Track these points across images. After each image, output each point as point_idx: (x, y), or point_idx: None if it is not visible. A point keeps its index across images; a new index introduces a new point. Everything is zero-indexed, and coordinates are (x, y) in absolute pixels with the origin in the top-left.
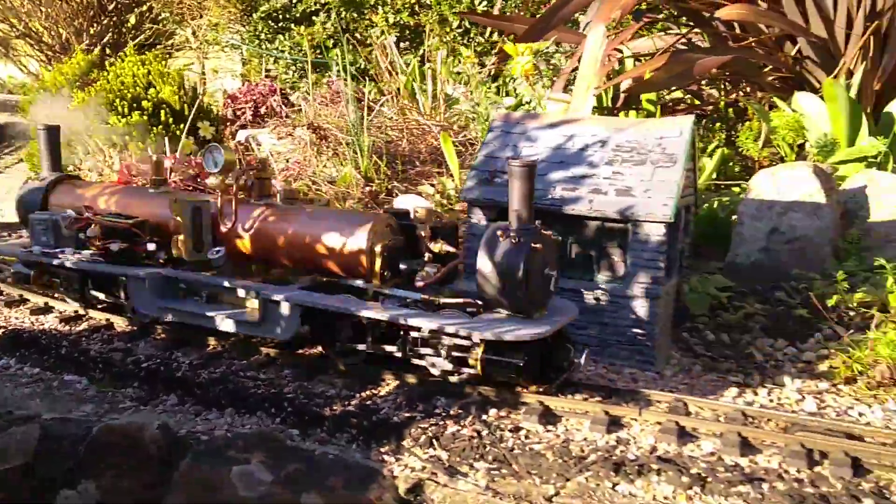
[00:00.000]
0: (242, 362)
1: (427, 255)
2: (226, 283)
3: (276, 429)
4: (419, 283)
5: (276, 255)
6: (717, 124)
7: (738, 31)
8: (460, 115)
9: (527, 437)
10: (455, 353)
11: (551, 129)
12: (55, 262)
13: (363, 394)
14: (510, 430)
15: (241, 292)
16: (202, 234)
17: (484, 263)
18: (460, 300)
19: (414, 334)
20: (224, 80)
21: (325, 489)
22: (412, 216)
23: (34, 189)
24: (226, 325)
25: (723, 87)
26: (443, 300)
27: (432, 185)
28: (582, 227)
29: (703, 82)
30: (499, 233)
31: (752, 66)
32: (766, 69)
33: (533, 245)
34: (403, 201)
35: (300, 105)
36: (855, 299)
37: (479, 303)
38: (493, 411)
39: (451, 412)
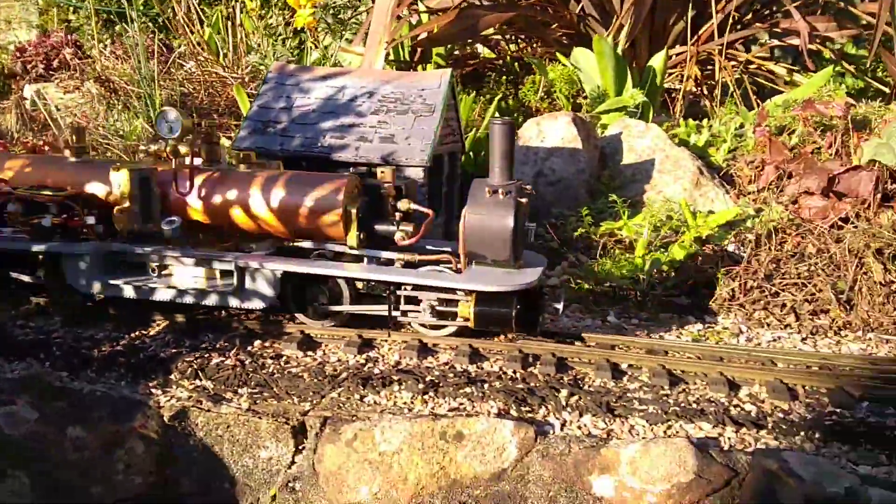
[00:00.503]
0: (11, 312)
1: (397, 213)
2: (197, 254)
3: (44, 372)
4: (403, 243)
5: (236, 222)
6: (504, 77)
7: None
8: (256, 68)
9: (287, 362)
10: (441, 308)
11: (323, 81)
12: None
13: (132, 334)
14: (272, 358)
15: (216, 263)
16: (151, 205)
17: (472, 218)
18: (437, 256)
19: (400, 292)
20: (19, 32)
21: (90, 422)
22: (378, 176)
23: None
24: (197, 298)
25: (514, 42)
26: (420, 257)
27: (229, 138)
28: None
29: (500, 38)
30: (487, 189)
31: (537, 23)
32: (552, 26)
33: (518, 199)
34: None
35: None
36: (599, 231)
37: (456, 257)
38: (257, 342)
39: (217, 345)
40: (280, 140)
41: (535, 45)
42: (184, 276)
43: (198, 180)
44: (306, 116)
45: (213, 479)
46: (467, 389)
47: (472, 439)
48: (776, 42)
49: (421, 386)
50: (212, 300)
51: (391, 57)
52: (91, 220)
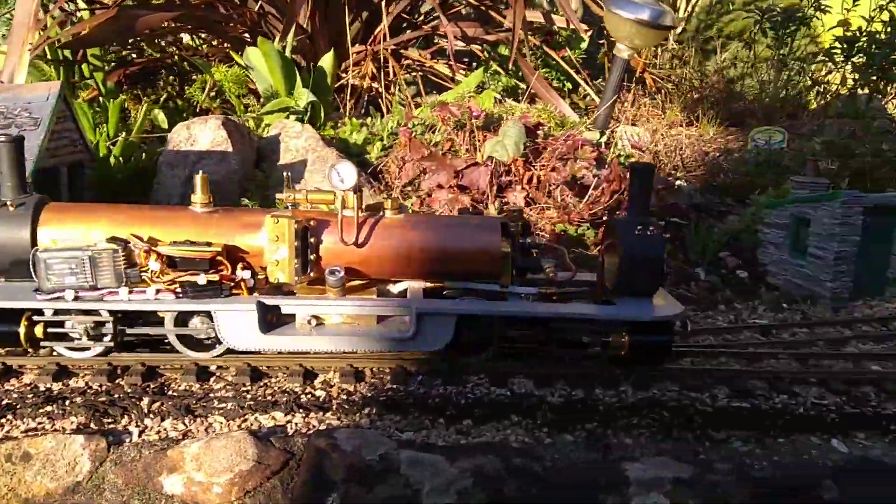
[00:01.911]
0: None
1: (532, 250)
2: (370, 304)
3: None
4: (563, 277)
5: (398, 267)
6: (171, 77)
7: None
8: None
9: None
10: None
11: None
12: (109, 306)
13: None
14: None
15: (392, 310)
16: (307, 255)
17: (630, 254)
18: (579, 289)
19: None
20: None
21: None
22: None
23: (13, 222)
24: (368, 345)
25: (193, 40)
26: (564, 290)
27: None
28: None
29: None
30: (639, 227)
31: (213, 21)
32: (230, 24)
33: (664, 236)
34: None
35: None
36: None
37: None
38: None
39: None
40: None
41: (215, 44)
42: (339, 325)
43: (361, 229)
44: None
45: None
46: (48, 408)
47: (40, 458)
48: (444, 43)
49: None
50: (382, 346)
51: (49, 57)
52: (246, 274)
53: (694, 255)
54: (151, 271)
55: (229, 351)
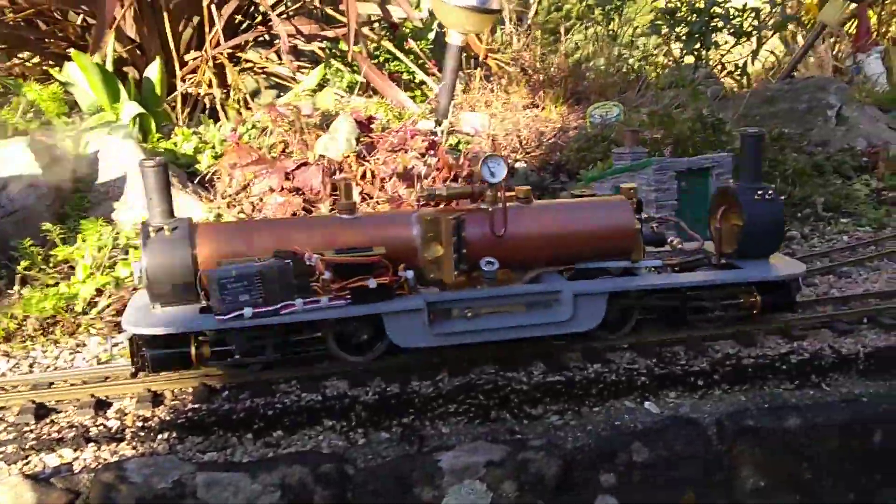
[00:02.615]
0: None
1: (651, 225)
2: (548, 287)
3: None
4: (691, 246)
5: (538, 255)
6: None
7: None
8: None
9: None
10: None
11: None
12: (291, 318)
13: None
14: None
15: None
16: (461, 250)
17: (754, 218)
18: (696, 257)
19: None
20: None
21: None
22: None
23: (172, 246)
24: (529, 331)
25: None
26: (686, 259)
27: None
28: None
29: None
30: (759, 192)
31: (27, 40)
32: (47, 41)
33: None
34: None
35: None
36: (56, 258)
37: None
38: None
39: None
40: None
41: (35, 62)
42: (491, 315)
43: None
44: None
45: None
46: None
47: None
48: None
49: None
50: (542, 331)
51: None
52: (409, 274)
53: None
54: (323, 280)
55: (389, 352)
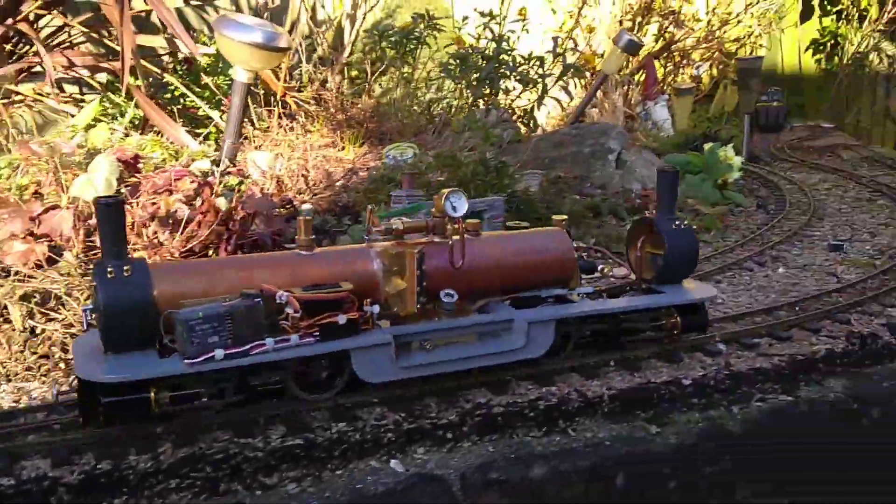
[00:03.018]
0: None
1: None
2: (503, 316)
3: None
4: (620, 276)
5: (490, 285)
6: None
7: None
8: None
9: None
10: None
11: None
12: (261, 359)
13: None
14: None
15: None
16: (422, 283)
17: (673, 246)
18: (619, 283)
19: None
20: None
21: None
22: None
23: (127, 285)
24: (488, 360)
25: None
26: (611, 287)
27: None
28: None
29: None
30: (676, 223)
31: None
32: None
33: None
34: None
35: None
36: None
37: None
38: None
39: None
40: None
41: None
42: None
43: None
44: None
45: None
46: None
47: None
48: (61, 75)
49: None
50: (499, 359)
51: None
52: (375, 308)
53: None
54: (292, 318)
55: (347, 389)
